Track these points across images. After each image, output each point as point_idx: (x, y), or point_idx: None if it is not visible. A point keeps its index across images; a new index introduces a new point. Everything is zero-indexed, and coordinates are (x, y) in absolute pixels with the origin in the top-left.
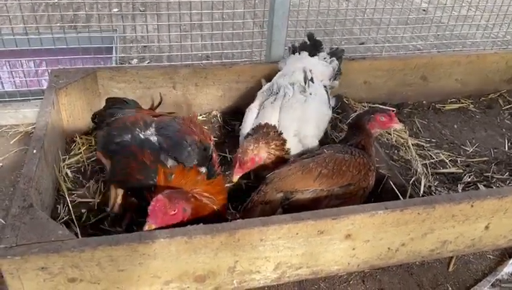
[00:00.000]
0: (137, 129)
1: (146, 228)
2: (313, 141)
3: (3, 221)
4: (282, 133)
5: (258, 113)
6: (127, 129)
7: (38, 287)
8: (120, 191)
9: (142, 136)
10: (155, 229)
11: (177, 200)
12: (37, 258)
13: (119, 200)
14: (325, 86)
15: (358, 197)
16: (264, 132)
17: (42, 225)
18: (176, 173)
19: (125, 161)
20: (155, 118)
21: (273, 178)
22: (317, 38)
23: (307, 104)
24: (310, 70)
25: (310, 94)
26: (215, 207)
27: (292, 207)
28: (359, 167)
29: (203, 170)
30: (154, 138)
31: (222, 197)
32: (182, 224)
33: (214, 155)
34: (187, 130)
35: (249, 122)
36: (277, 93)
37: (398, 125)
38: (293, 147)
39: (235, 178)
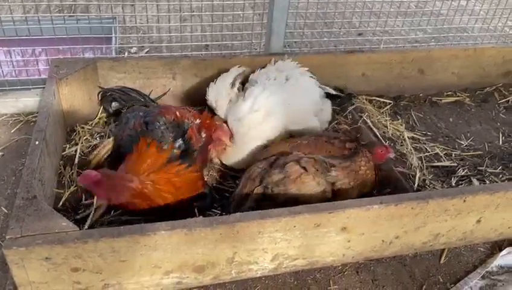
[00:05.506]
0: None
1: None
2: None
3: (5, 210)
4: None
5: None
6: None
7: (42, 276)
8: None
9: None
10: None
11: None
12: (41, 249)
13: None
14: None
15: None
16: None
17: (46, 216)
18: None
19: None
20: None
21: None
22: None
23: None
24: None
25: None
26: (161, 201)
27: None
28: (344, 142)
29: (178, 142)
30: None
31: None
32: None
33: (192, 134)
34: (161, 112)
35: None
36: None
37: (392, 155)
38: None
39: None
